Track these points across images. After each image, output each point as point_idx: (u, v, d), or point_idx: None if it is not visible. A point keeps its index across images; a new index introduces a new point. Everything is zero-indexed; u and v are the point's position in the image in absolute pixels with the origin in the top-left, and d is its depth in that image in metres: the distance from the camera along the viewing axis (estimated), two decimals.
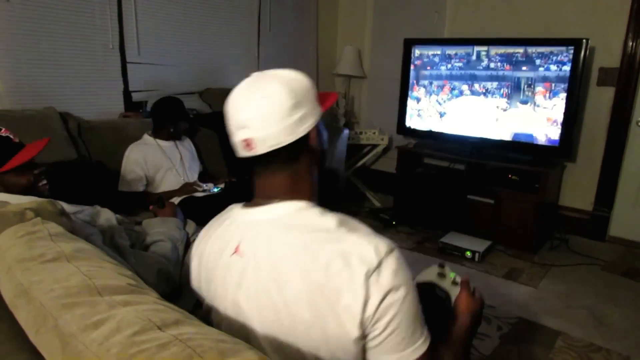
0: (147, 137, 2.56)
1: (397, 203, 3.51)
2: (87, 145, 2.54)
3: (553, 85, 2.86)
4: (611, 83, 3.01)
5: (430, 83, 3.37)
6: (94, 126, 2.59)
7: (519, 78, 2.97)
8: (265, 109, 0.83)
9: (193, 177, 2.66)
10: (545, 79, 2.88)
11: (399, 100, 3.54)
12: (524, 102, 2.98)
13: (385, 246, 0.77)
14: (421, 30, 3.67)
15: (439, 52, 3.29)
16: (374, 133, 3.84)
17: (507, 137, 3.08)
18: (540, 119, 2.93)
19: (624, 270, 2.77)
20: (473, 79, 3.16)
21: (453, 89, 3.26)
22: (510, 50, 2.97)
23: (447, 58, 3.26)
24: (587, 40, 2.72)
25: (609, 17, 2.96)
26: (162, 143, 2.56)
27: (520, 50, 2.93)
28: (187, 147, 2.70)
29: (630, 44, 2.91)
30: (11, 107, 2.40)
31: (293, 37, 3.96)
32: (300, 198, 0.87)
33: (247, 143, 0.84)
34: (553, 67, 2.84)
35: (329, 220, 0.82)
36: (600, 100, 3.07)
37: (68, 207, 1.35)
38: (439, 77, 3.33)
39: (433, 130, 3.40)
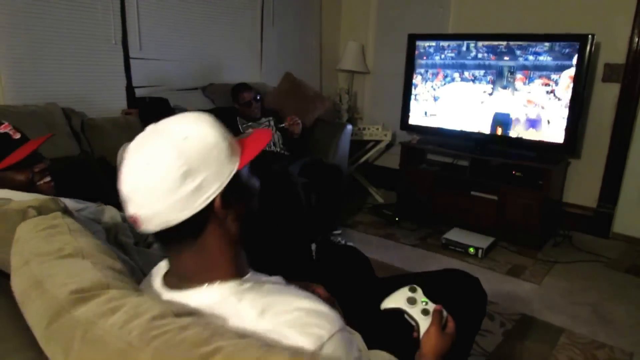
0: None
1: (400, 199, 3.50)
2: (90, 142, 2.53)
3: (557, 79, 2.84)
4: (617, 79, 2.99)
5: (426, 71, 3.38)
6: (97, 122, 2.57)
7: (521, 67, 2.96)
8: (147, 181, 0.68)
9: None
10: (549, 72, 2.86)
11: (403, 96, 3.52)
12: (525, 94, 2.96)
13: (324, 333, 0.64)
14: (425, 25, 3.65)
15: (435, 44, 3.28)
16: (377, 129, 3.83)
17: (510, 131, 3.07)
18: (545, 114, 2.91)
19: (628, 267, 2.76)
20: (463, 67, 3.19)
21: (445, 76, 3.29)
22: (512, 45, 2.96)
23: (442, 49, 3.26)
24: (593, 35, 2.69)
25: (615, 12, 2.94)
26: None
27: (525, 43, 2.93)
28: None
29: (636, 39, 2.89)
30: (14, 103, 2.39)
31: (296, 32, 3.94)
32: (217, 277, 0.73)
33: (134, 220, 0.71)
34: (558, 61, 2.82)
35: (247, 309, 0.68)
36: (606, 97, 3.05)
37: (72, 204, 1.35)
38: (434, 66, 3.34)
39: (437, 126, 3.39)
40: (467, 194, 3.16)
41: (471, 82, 3.18)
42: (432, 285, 1.16)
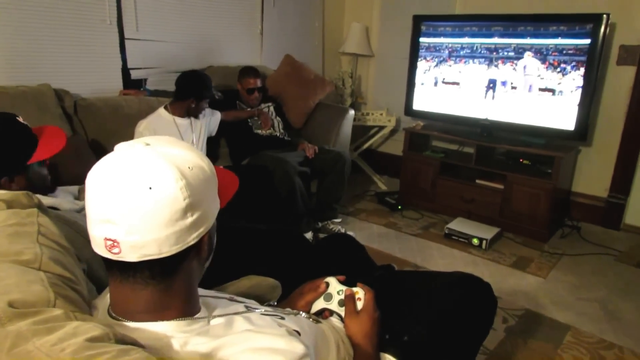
0: (162, 112, 2.48)
1: (403, 187, 3.41)
2: (83, 123, 2.47)
3: (569, 63, 2.71)
4: (632, 62, 2.85)
5: (432, 54, 3.25)
6: (90, 103, 2.52)
7: (531, 50, 2.82)
8: (147, 207, 0.61)
9: None
10: (560, 55, 2.73)
11: (407, 80, 3.41)
12: (534, 79, 2.83)
13: None
14: (432, 6, 3.53)
15: (441, 26, 3.15)
16: (381, 114, 3.73)
17: (518, 118, 2.94)
18: (555, 99, 2.79)
19: (639, 261, 2.65)
20: (470, 50, 3.04)
21: (452, 59, 3.17)
22: (522, 26, 2.83)
23: (448, 31, 3.12)
24: (608, 15, 2.55)
25: None
26: (179, 120, 2.47)
27: (534, 25, 2.79)
28: (199, 128, 2.59)
29: None
30: (6, 84, 2.34)
31: (298, 13, 3.81)
32: (168, 316, 0.68)
33: (113, 245, 0.63)
34: (571, 43, 2.68)
35: (191, 353, 0.65)
36: (620, 81, 2.91)
37: (68, 205, 1.28)
38: (440, 49, 3.20)
39: (442, 112, 3.27)
40: (472, 183, 3.07)
41: (478, 66, 3.06)
42: (442, 288, 1.11)
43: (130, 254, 0.64)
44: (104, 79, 2.78)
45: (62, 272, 0.78)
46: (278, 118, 3.03)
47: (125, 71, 2.85)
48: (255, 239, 1.60)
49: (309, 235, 2.67)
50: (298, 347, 0.68)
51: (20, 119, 1.30)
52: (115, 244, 0.63)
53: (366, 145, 3.86)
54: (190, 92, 2.45)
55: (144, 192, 0.61)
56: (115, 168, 0.64)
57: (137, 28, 2.85)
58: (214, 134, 2.75)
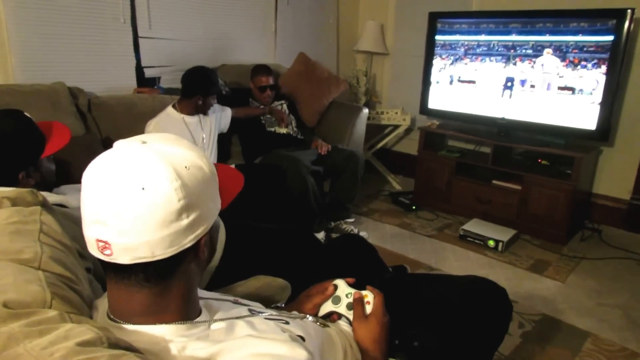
0: (171, 111, 2.47)
1: (418, 187, 3.36)
2: (96, 121, 2.49)
3: (590, 60, 2.62)
4: None
5: (448, 52, 3.18)
6: (103, 101, 2.53)
7: (550, 47, 2.74)
8: (140, 208, 0.59)
9: (210, 156, 2.56)
10: (581, 53, 2.65)
11: (423, 78, 3.36)
12: (553, 77, 2.75)
13: None
14: (448, 3, 3.46)
15: (458, 23, 3.09)
16: (396, 113, 3.68)
17: (537, 117, 2.87)
18: (575, 98, 2.71)
19: None
20: (488, 47, 2.95)
21: (469, 57, 3.09)
22: (540, 23, 2.75)
23: (465, 28, 3.05)
24: (633, 10, 2.47)
25: None
26: (188, 119, 2.46)
27: (553, 21, 2.71)
28: (209, 125, 2.58)
29: None
30: (22, 82, 2.37)
31: (312, 11, 3.78)
32: (166, 320, 0.66)
33: (105, 246, 0.61)
34: (592, 40, 2.60)
35: (190, 358, 0.63)
36: None
37: (76, 202, 1.28)
38: (456, 46, 3.13)
39: (458, 110, 3.21)
40: (489, 183, 3.01)
41: (495, 64, 2.99)
42: (455, 292, 1.07)
43: (122, 256, 0.61)
44: (118, 77, 2.79)
45: (63, 272, 0.77)
46: (291, 116, 3.01)
47: (139, 69, 2.87)
48: (265, 238, 1.58)
49: (321, 235, 2.64)
50: (300, 354, 0.66)
51: (27, 114, 1.30)
52: (107, 245, 0.61)
53: (380, 145, 3.81)
54: (196, 89, 2.42)
55: (137, 193, 0.59)
56: (108, 167, 0.61)
57: (150, 26, 2.85)
58: (225, 130, 2.73)
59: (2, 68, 2.35)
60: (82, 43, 2.59)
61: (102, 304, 0.73)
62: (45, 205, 0.99)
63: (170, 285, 0.66)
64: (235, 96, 2.93)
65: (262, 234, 1.60)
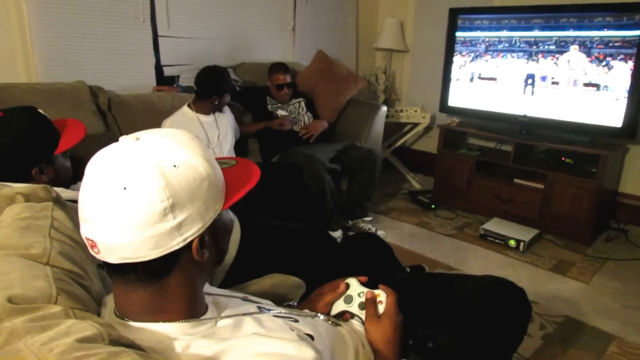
0: (186, 110, 2.49)
1: (438, 185, 3.31)
2: (116, 120, 2.51)
3: (616, 56, 2.54)
4: None
5: (469, 48, 3.12)
6: (123, 100, 2.56)
7: (575, 43, 2.67)
8: (120, 208, 0.57)
9: (228, 152, 2.57)
10: (606, 48, 2.56)
11: (443, 75, 3.31)
12: (579, 73, 2.68)
13: None
14: None
15: (479, 19, 3.02)
16: (416, 111, 3.63)
17: (560, 114, 2.79)
18: (600, 94, 2.63)
19: None
20: (509, 44, 2.89)
21: (490, 54, 3.02)
22: (564, 18, 2.68)
23: (486, 24, 2.99)
24: None
25: None
26: (203, 118, 2.48)
27: (577, 16, 2.64)
28: (225, 122, 2.59)
29: None
30: (44, 81, 2.41)
31: (331, 8, 3.76)
32: (169, 319, 0.65)
33: (92, 245, 0.61)
34: (618, 35, 2.52)
35: (194, 357, 0.62)
36: None
37: None
38: (477, 43, 3.07)
39: (479, 108, 3.15)
40: (510, 182, 2.94)
41: (517, 60, 2.92)
42: (471, 292, 1.04)
43: (108, 256, 0.61)
44: (138, 76, 2.82)
45: (71, 267, 0.77)
46: (309, 114, 3.00)
47: (159, 68, 2.89)
48: (279, 236, 1.57)
49: (338, 233, 2.62)
50: (308, 353, 0.64)
51: (41, 111, 1.31)
52: (94, 244, 0.61)
53: (400, 143, 3.77)
54: (211, 91, 2.44)
55: (118, 193, 0.57)
56: (98, 165, 0.61)
57: (168, 25, 2.88)
58: (238, 136, 2.75)
59: (25, 67, 2.40)
60: (102, 42, 2.63)
61: (110, 300, 0.73)
62: (58, 201, 1.00)
63: (167, 285, 0.65)
64: (253, 94, 2.93)
65: (277, 232, 1.59)
